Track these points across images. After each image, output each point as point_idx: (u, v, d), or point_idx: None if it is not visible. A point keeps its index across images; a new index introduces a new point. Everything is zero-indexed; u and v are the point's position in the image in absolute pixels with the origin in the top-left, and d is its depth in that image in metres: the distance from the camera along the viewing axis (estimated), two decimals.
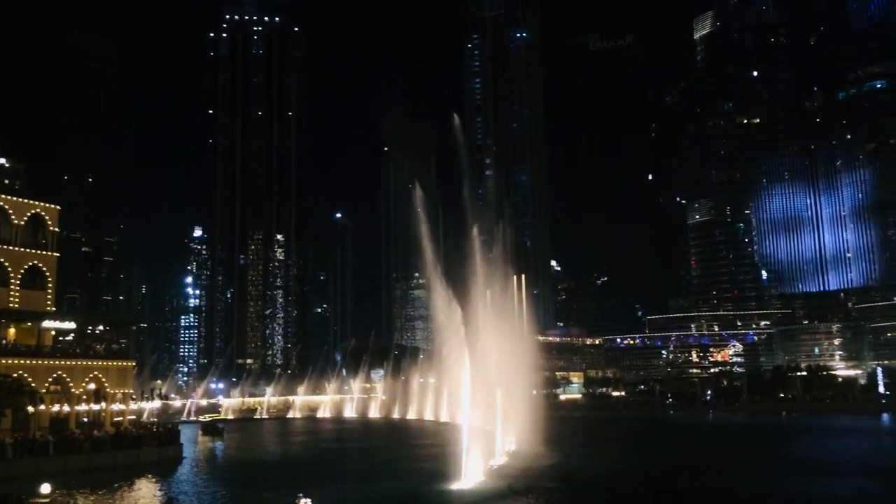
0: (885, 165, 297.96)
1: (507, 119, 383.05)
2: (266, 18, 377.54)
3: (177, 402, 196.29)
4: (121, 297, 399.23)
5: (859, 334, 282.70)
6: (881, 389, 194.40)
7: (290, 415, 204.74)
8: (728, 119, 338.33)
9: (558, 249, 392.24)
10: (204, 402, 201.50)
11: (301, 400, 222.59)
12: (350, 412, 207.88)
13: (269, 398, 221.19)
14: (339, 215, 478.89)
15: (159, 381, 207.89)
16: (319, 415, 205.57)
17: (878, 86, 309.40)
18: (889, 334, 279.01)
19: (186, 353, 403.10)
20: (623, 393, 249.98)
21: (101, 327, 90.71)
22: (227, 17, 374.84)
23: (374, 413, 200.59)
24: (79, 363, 77.89)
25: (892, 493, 56.30)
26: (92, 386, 79.40)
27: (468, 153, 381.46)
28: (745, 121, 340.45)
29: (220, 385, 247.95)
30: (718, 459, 77.98)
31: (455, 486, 55.10)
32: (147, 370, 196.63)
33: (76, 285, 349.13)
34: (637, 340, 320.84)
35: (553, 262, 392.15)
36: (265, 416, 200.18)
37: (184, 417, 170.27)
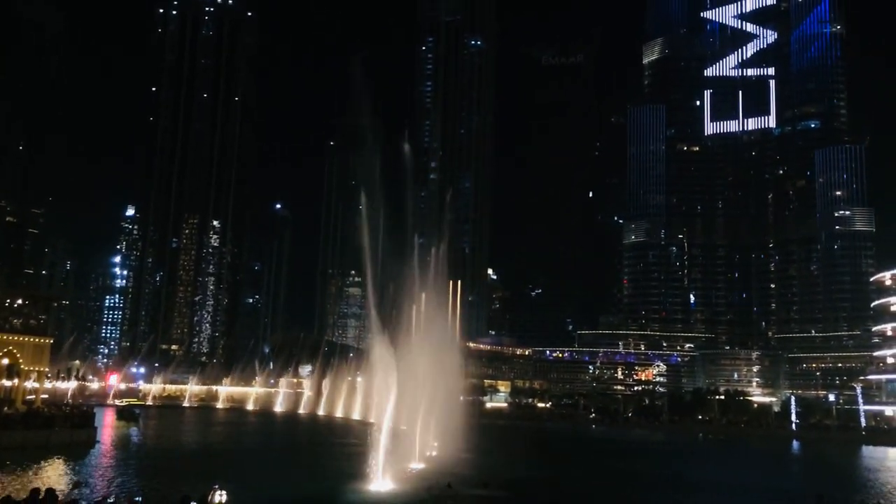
0: (810, 202, 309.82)
1: (455, 125, 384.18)
2: (219, 0, 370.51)
3: (94, 384, 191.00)
4: (43, 272, 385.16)
5: (776, 363, 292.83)
6: (793, 418, 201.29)
7: (215, 405, 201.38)
8: (669, 144, 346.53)
9: (496, 258, 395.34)
10: (123, 386, 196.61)
11: (226, 391, 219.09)
12: (275, 407, 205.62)
13: (192, 386, 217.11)
14: (278, 206, 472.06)
15: (77, 362, 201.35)
16: (248, 407, 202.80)
17: (812, 125, 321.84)
18: (804, 365, 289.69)
19: (108, 335, 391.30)
20: (548, 405, 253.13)
21: (19, 301, 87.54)
22: None
23: (300, 409, 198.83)
24: None
25: None
26: (5, 361, 76.68)
27: (414, 156, 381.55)
28: (685, 147, 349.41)
29: (142, 370, 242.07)
30: (629, 475, 79.85)
31: (372, 487, 55.03)
32: (65, 349, 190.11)
33: None
34: (566, 354, 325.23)
35: (490, 271, 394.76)
36: (188, 404, 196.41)
37: (100, 400, 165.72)
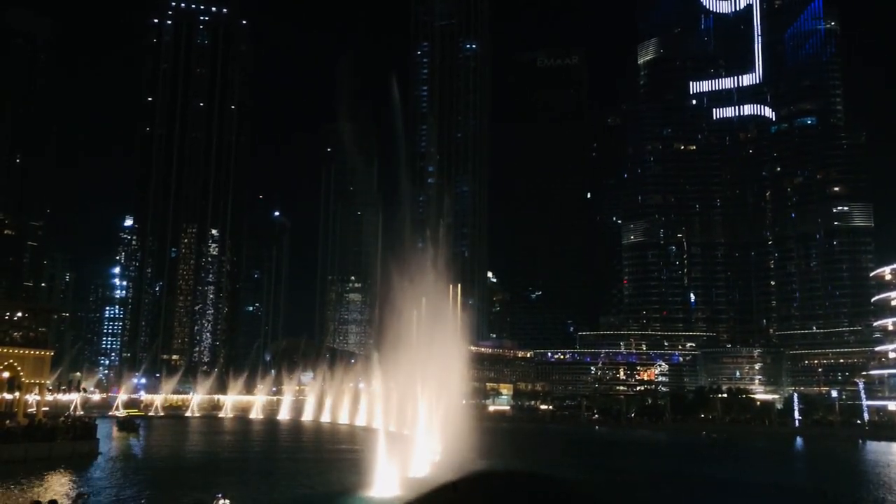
0: (808, 199, 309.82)
1: (451, 129, 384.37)
2: (213, 9, 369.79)
3: (96, 396, 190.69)
4: (43, 284, 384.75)
5: (778, 360, 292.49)
6: (796, 415, 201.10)
7: (220, 414, 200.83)
8: (666, 144, 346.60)
9: (495, 261, 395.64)
10: (124, 397, 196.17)
11: (230, 399, 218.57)
12: (279, 414, 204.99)
13: (193, 395, 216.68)
14: (276, 214, 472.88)
15: (79, 373, 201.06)
16: (252, 416, 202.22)
17: (809, 122, 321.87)
18: (806, 361, 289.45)
19: (109, 346, 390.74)
20: (551, 406, 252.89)
21: (19, 314, 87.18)
22: (173, 3, 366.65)
23: (304, 416, 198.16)
24: None
25: None
26: (6, 374, 76.38)
27: (411, 160, 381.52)
28: (682, 147, 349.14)
29: (143, 380, 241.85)
30: (636, 474, 79.52)
31: (375, 494, 54.69)
32: (66, 361, 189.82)
33: None
34: (567, 355, 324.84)
35: (489, 274, 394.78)
36: (190, 414, 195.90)
37: (102, 412, 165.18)
